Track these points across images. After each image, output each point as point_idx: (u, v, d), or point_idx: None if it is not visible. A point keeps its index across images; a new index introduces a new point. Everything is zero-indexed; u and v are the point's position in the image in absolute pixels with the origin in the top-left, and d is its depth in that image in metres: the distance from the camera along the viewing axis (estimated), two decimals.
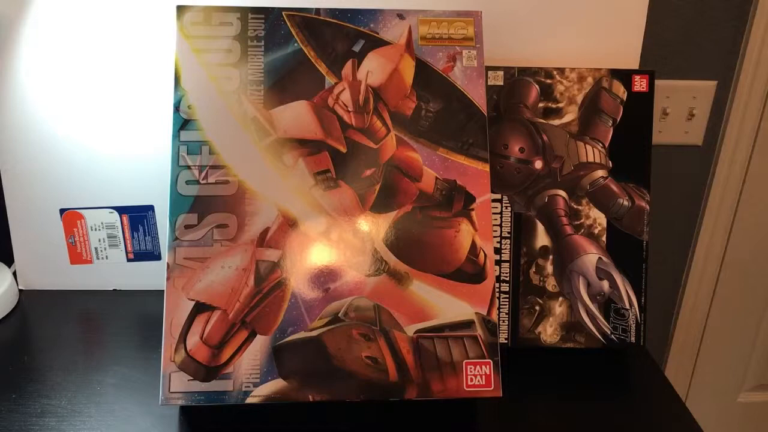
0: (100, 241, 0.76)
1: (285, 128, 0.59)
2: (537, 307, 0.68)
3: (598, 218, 0.68)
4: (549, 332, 0.68)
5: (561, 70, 0.68)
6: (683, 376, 1.10)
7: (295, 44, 0.61)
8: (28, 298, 0.76)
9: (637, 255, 0.68)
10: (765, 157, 0.94)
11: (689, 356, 1.08)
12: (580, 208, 0.68)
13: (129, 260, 0.77)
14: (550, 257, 0.68)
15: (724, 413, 1.15)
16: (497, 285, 0.67)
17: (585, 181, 0.68)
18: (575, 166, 0.68)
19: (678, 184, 0.95)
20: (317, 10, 0.61)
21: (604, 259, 0.68)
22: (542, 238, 0.68)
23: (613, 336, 0.67)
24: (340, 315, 0.57)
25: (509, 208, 0.68)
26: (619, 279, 0.67)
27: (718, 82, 0.89)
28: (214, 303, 0.56)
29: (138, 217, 0.75)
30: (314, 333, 0.57)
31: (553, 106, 0.68)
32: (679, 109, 0.89)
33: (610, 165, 0.68)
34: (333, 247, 0.58)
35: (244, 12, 0.61)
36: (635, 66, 0.74)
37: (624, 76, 0.68)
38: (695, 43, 0.86)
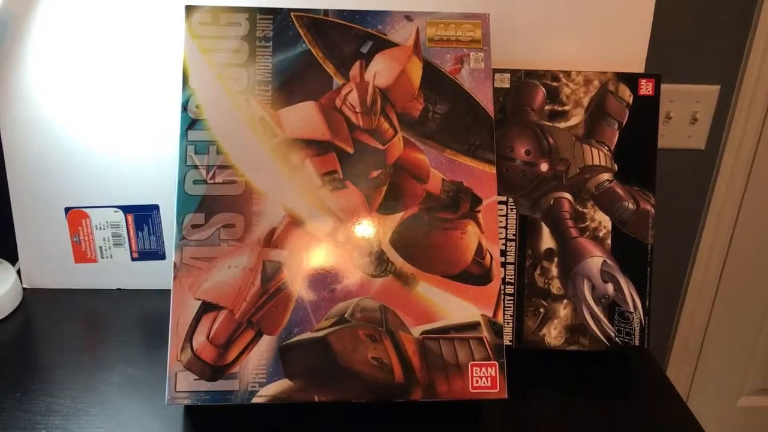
0: (104, 240, 0.76)
1: (292, 129, 0.60)
2: (542, 310, 0.68)
3: (603, 221, 0.68)
4: (553, 334, 0.68)
5: (567, 74, 0.68)
6: (684, 380, 1.10)
7: (303, 45, 0.61)
8: (32, 297, 0.75)
9: (642, 258, 0.68)
10: (767, 161, 0.95)
11: (690, 360, 1.08)
12: (585, 210, 0.68)
13: (133, 259, 0.77)
14: (555, 260, 0.68)
15: (724, 417, 1.15)
16: (502, 287, 0.67)
17: (590, 184, 0.68)
18: (581, 169, 0.68)
19: (681, 187, 0.95)
20: (325, 12, 0.62)
21: (609, 262, 0.68)
22: (547, 241, 0.68)
23: (617, 339, 0.68)
24: (346, 316, 0.57)
25: (515, 211, 0.68)
26: (623, 282, 0.68)
27: (721, 86, 0.89)
28: (220, 303, 0.57)
29: (143, 216, 0.75)
30: (320, 333, 0.57)
31: (560, 109, 0.68)
32: (683, 113, 0.90)
33: (616, 168, 0.68)
34: (339, 248, 0.58)
35: (253, 13, 0.61)
36: (641, 70, 0.74)
37: (630, 79, 0.68)
38: (699, 47, 0.86)
